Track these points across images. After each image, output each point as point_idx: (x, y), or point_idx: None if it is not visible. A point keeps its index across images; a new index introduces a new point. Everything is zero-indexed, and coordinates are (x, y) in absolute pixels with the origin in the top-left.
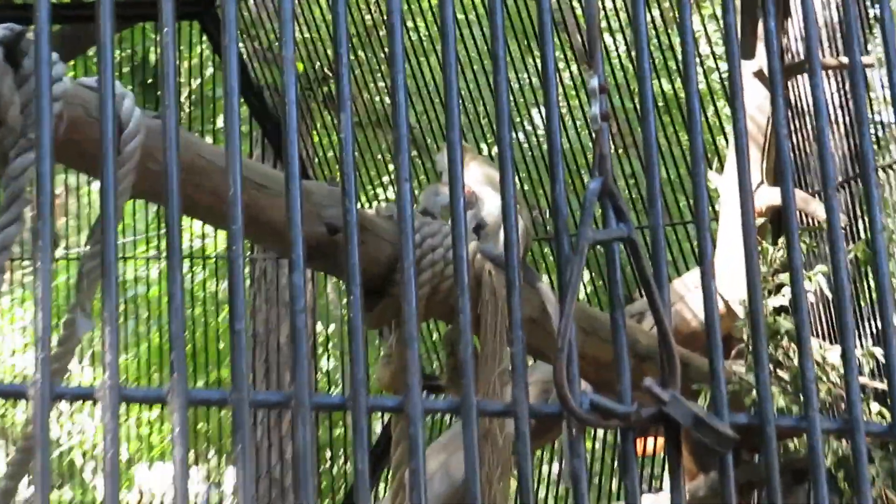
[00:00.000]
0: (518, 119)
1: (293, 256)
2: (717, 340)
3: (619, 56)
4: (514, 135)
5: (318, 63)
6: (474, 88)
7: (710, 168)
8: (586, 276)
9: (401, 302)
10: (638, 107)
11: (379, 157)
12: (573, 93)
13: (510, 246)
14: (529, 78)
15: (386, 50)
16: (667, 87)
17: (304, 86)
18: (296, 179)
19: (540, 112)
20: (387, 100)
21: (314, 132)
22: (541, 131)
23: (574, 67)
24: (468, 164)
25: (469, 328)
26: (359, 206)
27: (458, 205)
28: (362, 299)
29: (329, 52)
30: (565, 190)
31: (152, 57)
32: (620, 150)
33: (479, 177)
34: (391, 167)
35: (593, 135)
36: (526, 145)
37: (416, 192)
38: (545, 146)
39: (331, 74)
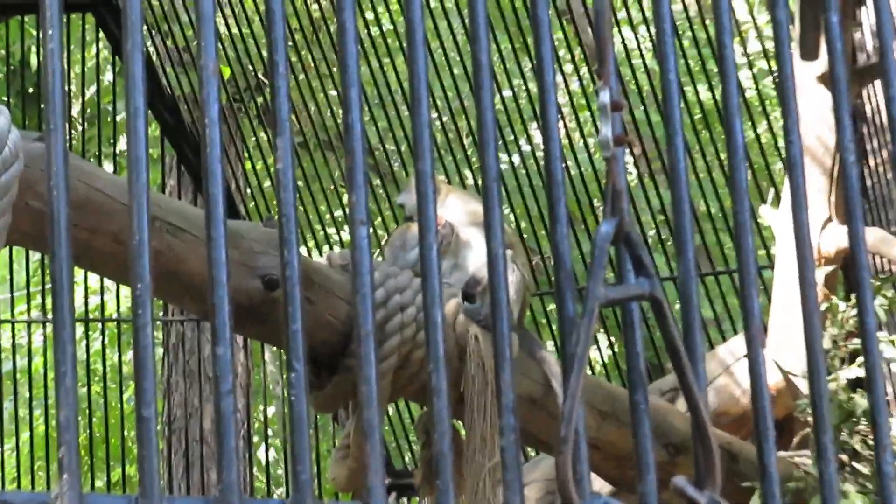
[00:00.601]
0: (511, 137)
1: (217, 322)
2: (769, 424)
3: (641, 55)
4: (506, 158)
5: (251, 66)
6: (454, 97)
7: (763, 200)
8: (603, 340)
9: (358, 379)
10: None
11: (331, 187)
12: (583, 101)
13: (498, 304)
14: (525, 83)
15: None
16: (706, 94)
17: (233, 95)
18: (220, 221)
19: (540, 127)
20: (340, 113)
21: (246, 156)
22: (541, 153)
23: (585, 69)
24: (444, 200)
25: (447, 411)
26: (304, 252)
27: (430, 253)
28: (308, 376)
29: (265, 52)
30: (572, 230)
31: (33, 59)
32: (646, 176)
33: (461, 216)
34: (346, 200)
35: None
36: (523, 171)
37: (381, 233)
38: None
39: (267, 82)
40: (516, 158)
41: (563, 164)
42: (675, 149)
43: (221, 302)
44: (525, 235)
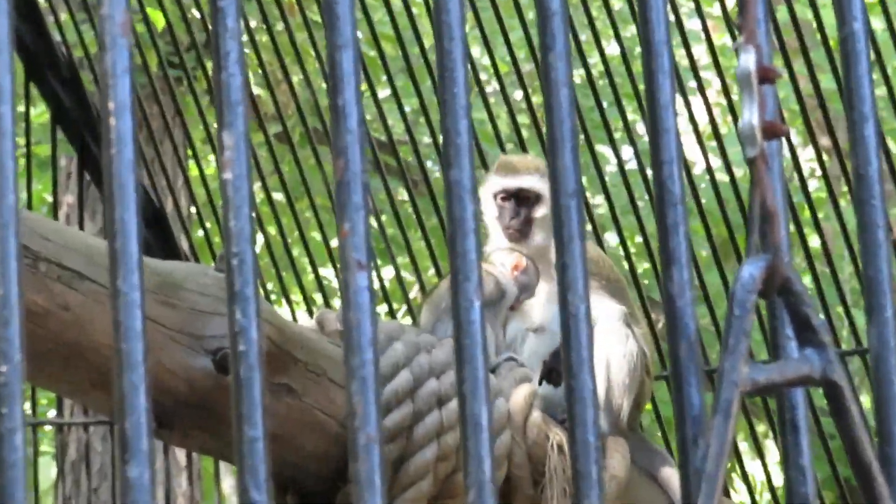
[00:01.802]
0: (617, 124)
1: (127, 426)
2: None
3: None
4: (606, 157)
5: (199, 10)
6: (507, 69)
7: None
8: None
9: None
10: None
11: (320, 199)
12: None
13: (580, 394)
14: (620, 42)
15: None
16: None
17: (170, 57)
18: (132, 262)
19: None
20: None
21: (189, 155)
22: (645, 148)
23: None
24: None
25: None
26: (284, 310)
27: (470, 312)
28: None
29: None
30: (695, 274)
31: None
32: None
33: (548, 254)
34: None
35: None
36: (617, 179)
37: (411, 280)
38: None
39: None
40: (626, 152)
41: (683, 170)
42: (864, 149)
43: (135, 393)
44: (646, 281)
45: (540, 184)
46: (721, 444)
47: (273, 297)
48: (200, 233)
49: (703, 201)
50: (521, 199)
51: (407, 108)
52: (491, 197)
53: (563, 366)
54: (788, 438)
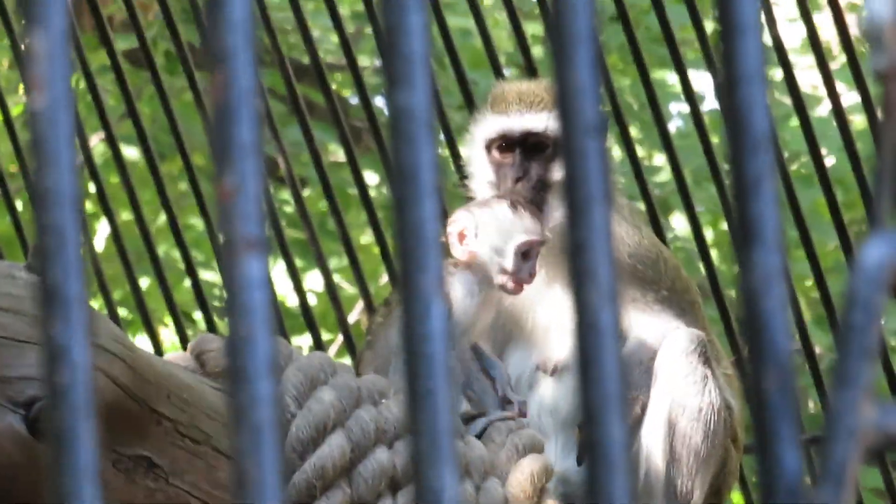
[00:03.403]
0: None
1: None
2: None
3: None
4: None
5: None
6: None
7: None
8: None
9: None
10: None
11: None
12: None
13: (603, 468)
14: None
15: None
16: None
17: None
18: None
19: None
20: None
21: None
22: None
23: None
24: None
25: None
26: (145, 340)
27: (430, 331)
28: None
29: None
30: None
31: None
32: None
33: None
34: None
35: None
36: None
37: (352, 303)
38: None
39: None
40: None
41: (766, 94)
42: None
43: None
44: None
45: None
46: None
47: (124, 315)
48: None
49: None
50: (531, 150)
51: (345, 13)
52: (482, 147)
53: (586, 427)
54: None
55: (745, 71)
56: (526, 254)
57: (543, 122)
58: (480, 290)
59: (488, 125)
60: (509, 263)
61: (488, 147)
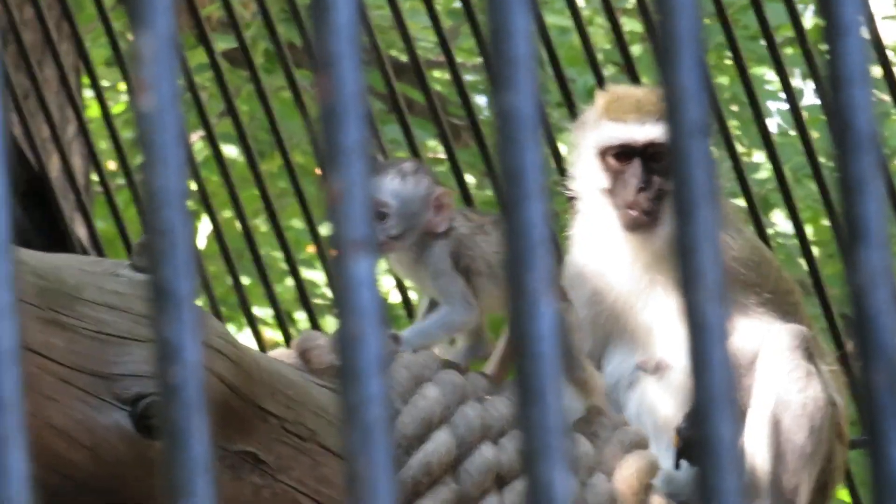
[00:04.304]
0: (785, 32)
1: None
2: None
3: None
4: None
5: None
6: None
7: None
8: None
9: None
10: None
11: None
12: None
13: (714, 467)
14: None
15: None
16: None
17: None
18: (7, 267)
19: None
20: None
21: (86, 84)
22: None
23: None
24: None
25: None
26: (247, 336)
27: (541, 326)
28: None
29: None
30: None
31: None
32: None
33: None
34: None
35: None
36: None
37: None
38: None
39: None
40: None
41: (871, 93)
42: None
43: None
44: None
45: None
46: None
47: (226, 313)
48: (103, 217)
49: None
50: (649, 159)
51: (441, 9)
52: (596, 153)
53: (690, 413)
54: None
55: (850, 72)
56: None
57: (663, 131)
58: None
59: (604, 132)
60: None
61: (602, 154)
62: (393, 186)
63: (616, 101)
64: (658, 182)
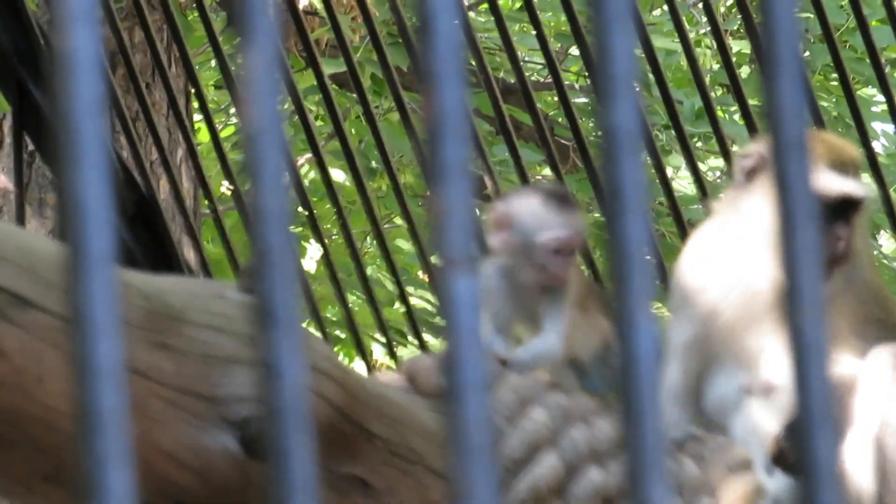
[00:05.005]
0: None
1: None
2: None
3: None
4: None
5: None
6: None
7: None
8: None
9: None
10: None
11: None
12: None
13: (816, 487)
14: None
15: None
16: None
17: None
18: (104, 263)
19: None
20: None
21: (196, 108)
22: None
23: None
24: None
25: None
26: (355, 361)
27: (643, 343)
28: None
29: None
30: None
31: None
32: None
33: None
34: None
35: None
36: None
37: None
38: None
39: None
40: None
41: None
42: None
43: (107, 493)
44: None
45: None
46: None
47: (333, 336)
48: (211, 239)
49: None
50: (843, 210)
51: (549, 32)
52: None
53: (794, 432)
54: None
55: None
56: (558, 251)
57: (861, 185)
58: (510, 281)
59: (824, 180)
60: (537, 258)
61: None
62: (581, 225)
63: (831, 152)
64: (846, 234)
